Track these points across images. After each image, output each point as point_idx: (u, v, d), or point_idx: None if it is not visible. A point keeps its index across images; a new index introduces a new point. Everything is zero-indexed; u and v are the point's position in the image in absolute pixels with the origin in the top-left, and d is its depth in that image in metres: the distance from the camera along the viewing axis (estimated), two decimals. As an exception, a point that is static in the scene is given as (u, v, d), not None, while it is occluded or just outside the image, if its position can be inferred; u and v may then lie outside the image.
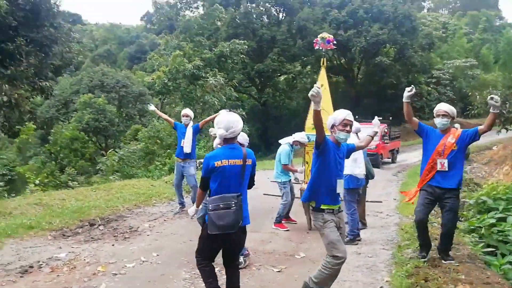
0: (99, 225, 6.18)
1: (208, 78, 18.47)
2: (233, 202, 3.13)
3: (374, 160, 14.45)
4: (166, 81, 18.46)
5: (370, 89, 29.48)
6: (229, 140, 3.28)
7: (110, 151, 20.18)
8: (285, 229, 6.27)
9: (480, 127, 4.36)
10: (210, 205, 3.15)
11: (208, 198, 3.26)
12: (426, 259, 4.42)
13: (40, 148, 26.75)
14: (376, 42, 26.12)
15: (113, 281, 4.13)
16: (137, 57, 55.89)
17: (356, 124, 5.55)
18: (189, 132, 6.88)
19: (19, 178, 19.62)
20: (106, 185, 9.21)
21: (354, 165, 5.29)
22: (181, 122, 7.16)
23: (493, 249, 5.85)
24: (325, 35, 8.05)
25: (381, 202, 7.89)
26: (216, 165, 3.15)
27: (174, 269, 4.51)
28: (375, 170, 14.13)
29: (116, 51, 60.13)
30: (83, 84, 29.06)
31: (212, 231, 3.12)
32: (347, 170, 5.33)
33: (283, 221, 6.49)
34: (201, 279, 4.13)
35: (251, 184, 3.46)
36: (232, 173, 3.20)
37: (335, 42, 8.32)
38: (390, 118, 20.68)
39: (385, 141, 15.57)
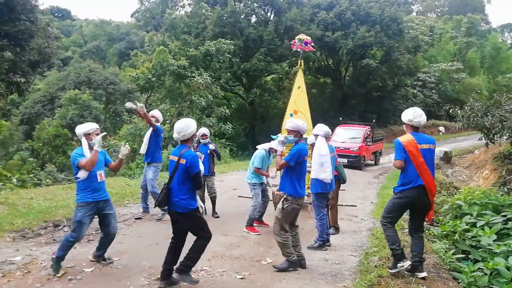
0: (64, 226, 5.99)
1: (194, 76, 18.31)
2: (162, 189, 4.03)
3: (356, 162, 14.50)
4: (150, 77, 18.26)
5: (356, 90, 29.56)
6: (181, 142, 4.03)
7: None
8: (256, 233, 6.17)
9: None
10: None
11: None
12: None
13: (23, 144, 26.31)
14: (363, 44, 26.19)
15: (67, 287, 3.96)
16: (127, 53, 55.18)
17: (325, 128, 5.50)
18: (148, 133, 6.62)
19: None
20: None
21: (320, 169, 5.21)
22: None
23: (465, 255, 5.84)
24: (302, 36, 7.98)
25: (355, 206, 7.83)
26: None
27: (133, 274, 4.36)
28: (357, 172, 14.14)
29: (105, 47, 59.45)
30: (70, 80, 28.66)
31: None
32: (313, 174, 5.26)
33: (255, 224, 6.40)
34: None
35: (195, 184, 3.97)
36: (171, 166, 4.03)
37: (313, 44, 8.24)
38: (374, 120, 20.78)
39: (368, 143, 15.59)
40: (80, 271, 4.38)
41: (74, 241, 4.31)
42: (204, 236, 4.03)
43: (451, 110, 12.92)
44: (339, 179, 6.09)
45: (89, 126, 4.39)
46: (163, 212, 6.59)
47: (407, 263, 4.14)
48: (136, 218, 6.69)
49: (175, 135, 3.97)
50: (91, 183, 4.27)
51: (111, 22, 68.77)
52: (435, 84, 32.75)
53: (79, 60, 44.68)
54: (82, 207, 4.24)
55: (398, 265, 4.18)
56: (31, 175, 16.88)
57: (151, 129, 6.58)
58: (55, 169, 18.46)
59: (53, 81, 30.42)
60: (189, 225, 4.04)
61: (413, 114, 4.31)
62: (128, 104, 6.63)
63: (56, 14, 67.21)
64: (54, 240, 5.40)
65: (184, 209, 3.93)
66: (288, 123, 4.72)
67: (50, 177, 15.55)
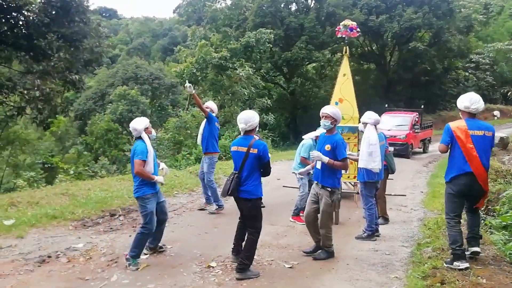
0: (120, 215, 6.34)
1: (235, 68, 18.47)
2: (231, 177, 4.18)
3: (404, 150, 13.97)
4: (194, 71, 18.68)
5: (403, 76, 28.34)
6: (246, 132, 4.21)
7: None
8: (302, 223, 6.12)
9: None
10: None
11: None
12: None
13: (77, 139, 28.09)
14: (410, 27, 24.96)
15: (125, 273, 4.21)
16: (170, 49, 56.85)
17: (374, 116, 5.34)
18: (202, 124, 6.69)
19: (57, 167, 20.69)
20: (131, 176, 9.43)
21: (369, 159, 5.08)
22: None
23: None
24: (347, 22, 7.72)
25: (405, 195, 7.57)
26: (232, 149, 4.28)
27: (185, 261, 4.54)
28: (405, 161, 13.63)
29: (150, 44, 61.44)
30: (118, 77, 30.08)
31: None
32: (362, 164, 5.14)
33: (301, 214, 6.38)
34: (211, 273, 4.21)
35: (265, 171, 4.21)
36: (237, 156, 4.20)
37: (358, 30, 7.97)
38: (422, 106, 19.84)
39: (416, 131, 14.94)
40: (137, 257, 4.62)
41: (149, 234, 4.44)
42: (256, 231, 4.22)
43: (509, 93, 12.04)
44: (387, 169, 5.91)
45: (146, 121, 4.55)
46: (219, 206, 6.66)
47: (464, 265, 3.97)
48: (199, 209, 6.84)
49: (241, 126, 4.17)
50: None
51: (155, 19, 70.88)
52: (489, 65, 30.57)
53: (126, 57, 46.63)
54: (149, 199, 4.38)
55: (455, 263, 4.02)
56: (86, 168, 18.03)
57: (205, 118, 6.65)
58: (108, 162, 19.58)
59: (103, 79, 32.10)
60: (250, 212, 4.23)
61: (470, 101, 4.08)
62: (189, 88, 6.26)
63: (103, 14, 70.32)
64: (111, 228, 5.74)
65: (253, 195, 4.15)
66: (328, 108, 4.68)
67: (104, 169, 16.46)
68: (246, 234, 4.27)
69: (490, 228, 6.02)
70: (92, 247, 4.91)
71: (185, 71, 19.01)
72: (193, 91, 6.37)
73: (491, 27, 36.20)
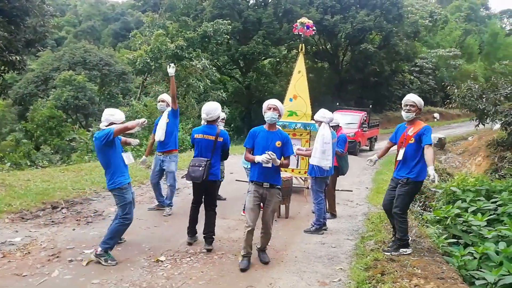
0: (62, 208, 6.02)
1: (191, 59, 18.12)
2: (202, 163, 4.52)
3: (352, 148, 14.58)
4: (148, 61, 18.05)
5: (354, 75, 29.48)
6: (209, 122, 4.62)
7: (78, 128, 19.70)
8: (253, 217, 6.22)
9: (425, 148, 4.16)
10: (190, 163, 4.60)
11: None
12: (388, 254, 4.48)
13: (16, 125, 26.07)
14: (362, 29, 26.00)
15: (67, 268, 4.01)
16: (122, 34, 54.52)
17: (329, 115, 5.48)
18: (164, 118, 5.86)
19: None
20: (76, 166, 8.99)
21: (322, 157, 5.23)
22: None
23: (457, 240, 5.97)
24: (304, 20, 7.88)
25: (351, 191, 7.92)
26: (195, 136, 4.63)
27: (133, 256, 4.42)
28: (352, 158, 14.21)
29: (100, 28, 58.51)
30: (64, 61, 28.32)
31: (188, 179, 4.63)
32: (315, 161, 5.29)
33: (252, 208, 6.45)
34: (159, 267, 4.15)
35: (226, 156, 4.85)
36: (205, 144, 4.60)
37: (314, 28, 8.16)
38: (370, 106, 20.79)
39: (364, 129, 15.66)
40: (80, 252, 4.43)
41: (128, 224, 4.38)
42: (216, 206, 4.81)
43: (448, 87, 12.94)
44: (338, 168, 6.12)
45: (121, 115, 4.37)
46: (171, 207, 6.19)
47: (410, 250, 4.48)
48: (149, 209, 6.32)
49: (203, 116, 4.58)
50: (125, 167, 4.34)
51: (106, 2, 67.53)
52: (432, 70, 32.70)
53: (74, 41, 44.06)
54: (126, 189, 4.30)
55: (402, 250, 4.46)
56: (27, 158, 16.81)
57: (165, 112, 5.89)
58: (51, 151, 18.42)
59: (47, 62, 30.00)
60: (214, 192, 4.87)
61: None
62: (172, 69, 5.43)
63: (48, -8, 65.56)
64: (52, 221, 5.43)
65: (217, 177, 4.71)
66: (275, 100, 4.41)
67: (46, 158, 15.48)
68: (207, 212, 4.75)
69: (426, 223, 6.48)
70: (31, 241, 4.62)
71: (138, 59, 18.33)
72: (173, 74, 5.47)
73: (438, 34, 38.63)
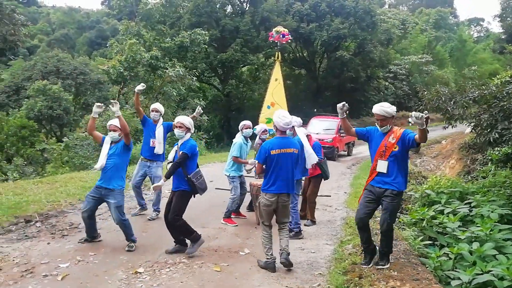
0: (36, 221, 5.84)
1: (167, 68, 18.00)
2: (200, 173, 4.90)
3: (330, 153, 14.78)
4: (121, 70, 17.79)
5: (331, 82, 30.00)
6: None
7: (49, 139, 19.14)
8: (233, 225, 6.22)
9: (416, 136, 4.03)
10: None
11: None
12: (368, 267, 4.23)
13: (-16, 137, 25.10)
14: (337, 36, 26.55)
15: (41, 284, 3.90)
16: (97, 42, 53.68)
17: (297, 119, 5.63)
18: (160, 130, 6.13)
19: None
20: (50, 178, 8.75)
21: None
22: (149, 116, 6.30)
23: (432, 242, 6.14)
24: (279, 28, 8.01)
25: (330, 196, 8.03)
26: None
27: (110, 269, 4.33)
28: (331, 163, 14.41)
29: (74, 36, 57.42)
30: (36, 70, 27.55)
31: (201, 193, 4.87)
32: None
33: (232, 216, 6.45)
34: (137, 280, 4.09)
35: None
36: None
37: (290, 36, 8.30)
38: (347, 112, 21.11)
39: (341, 135, 15.91)
40: (55, 266, 4.31)
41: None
42: (178, 217, 4.82)
43: (420, 92, 13.32)
44: (321, 176, 6.23)
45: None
46: (140, 207, 6.54)
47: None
48: (132, 215, 6.33)
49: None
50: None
51: (80, 10, 66.52)
52: (405, 76, 33.66)
53: (47, 49, 42.96)
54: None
55: (385, 262, 4.26)
56: (-2, 171, 16.18)
57: (159, 125, 6.15)
58: (24, 162, 17.83)
59: (18, 71, 29.14)
60: (178, 202, 4.82)
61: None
62: (141, 87, 6.05)
63: (21, 0, 64.10)
64: (26, 236, 5.26)
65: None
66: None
67: (17, 171, 14.96)
68: (176, 222, 4.80)
69: (403, 225, 6.63)
70: (3, 257, 4.46)
71: (111, 70, 18.02)
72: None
73: (408, 40, 39.87)
